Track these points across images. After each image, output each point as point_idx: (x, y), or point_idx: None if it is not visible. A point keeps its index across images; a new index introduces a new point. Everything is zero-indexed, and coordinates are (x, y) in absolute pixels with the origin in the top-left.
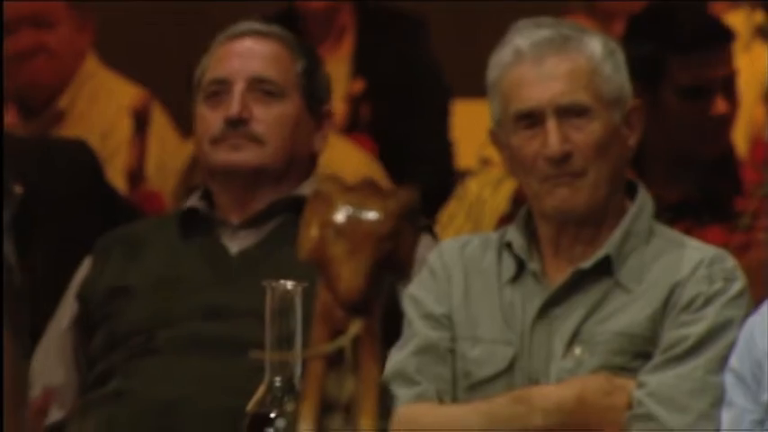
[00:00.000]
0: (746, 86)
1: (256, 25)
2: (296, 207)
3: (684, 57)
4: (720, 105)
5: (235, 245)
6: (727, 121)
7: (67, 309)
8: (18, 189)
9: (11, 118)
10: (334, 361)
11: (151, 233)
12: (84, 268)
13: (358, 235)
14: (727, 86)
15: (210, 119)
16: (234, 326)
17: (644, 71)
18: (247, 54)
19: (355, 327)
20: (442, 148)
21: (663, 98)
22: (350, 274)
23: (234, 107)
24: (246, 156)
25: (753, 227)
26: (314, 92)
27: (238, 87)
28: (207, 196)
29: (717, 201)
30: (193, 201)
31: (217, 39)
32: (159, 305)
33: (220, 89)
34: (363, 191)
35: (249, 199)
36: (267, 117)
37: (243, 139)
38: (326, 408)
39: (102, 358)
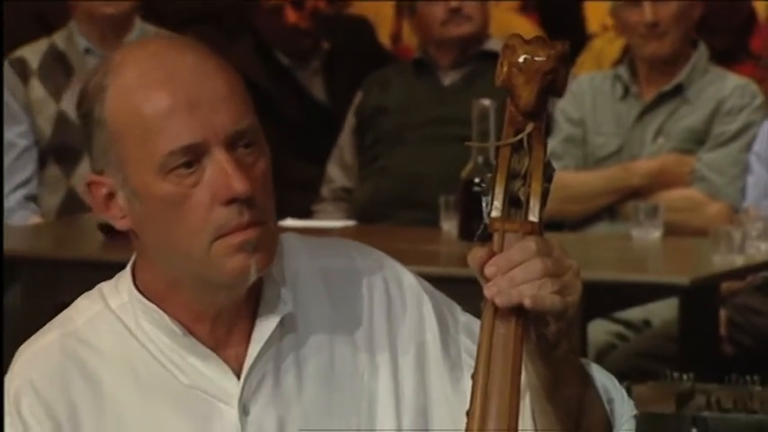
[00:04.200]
0: None
1: None
2: (483, 56)
3: None
4: None
5: (446, 79)
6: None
7: (350, 121)
8: (325, 45)
9: (322, 4)
10: (517, 148)
11: (397, 73)
12: (359, 95)
13: (531, 70)
14: None
15: (436, 10)
16: (451, 127)
17: None
18: None
19: (530, 126)
20: (579, 19)
21: None
22: (527, 94)
23: (453, 1)
24: (464, 29)
25: None
26: None
27: None
28: (426, 51)
29: (746, 48)
30: (419, 53)
31: None
32: (404, 117)
33: None
34: (535, 43)
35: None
36: (472, 3)
37: (462, 19)
38: (512, 176)
39: (371, 148)
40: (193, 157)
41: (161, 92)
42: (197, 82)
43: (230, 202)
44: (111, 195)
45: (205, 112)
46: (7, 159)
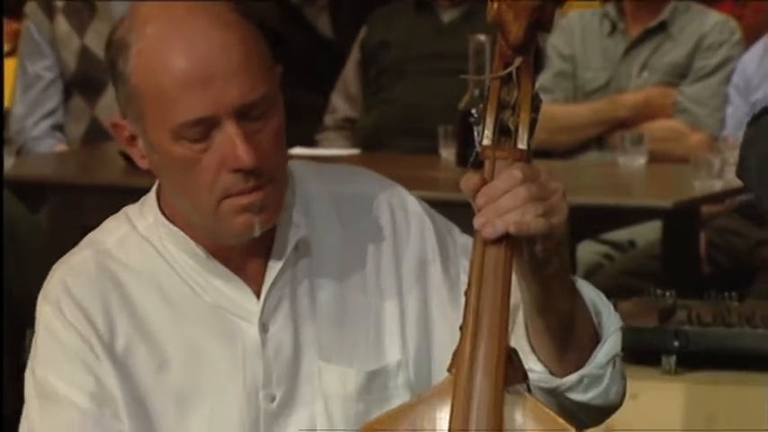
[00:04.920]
0: None
1: None
2: None
3: None
4: None
5: (446, 16)
6: None
7: (354, 55)
8: None
9: None
10: (506, 80)
11: (399, 10)
12: (364, 30)
13: (520, 7)
14: None
15: None
16: (449, 61)
17: None
18: None
19: (518, 60)
20: None
21: None
22: (516, 29)
23: None
24: None
25: (746, 4)
26: None
27: None
28: None
29: None
30: None
31: None
32: (406, 51)
33: None
34: None
35: None
36: None
37: None
38: (502, 107)
39: (375, 80)
40: (204, 127)
41: (179, 62)
42: (215, 55)
43: (237, 171)
44: (133, 137)
45: (219, 85)
46: (34, 91)
